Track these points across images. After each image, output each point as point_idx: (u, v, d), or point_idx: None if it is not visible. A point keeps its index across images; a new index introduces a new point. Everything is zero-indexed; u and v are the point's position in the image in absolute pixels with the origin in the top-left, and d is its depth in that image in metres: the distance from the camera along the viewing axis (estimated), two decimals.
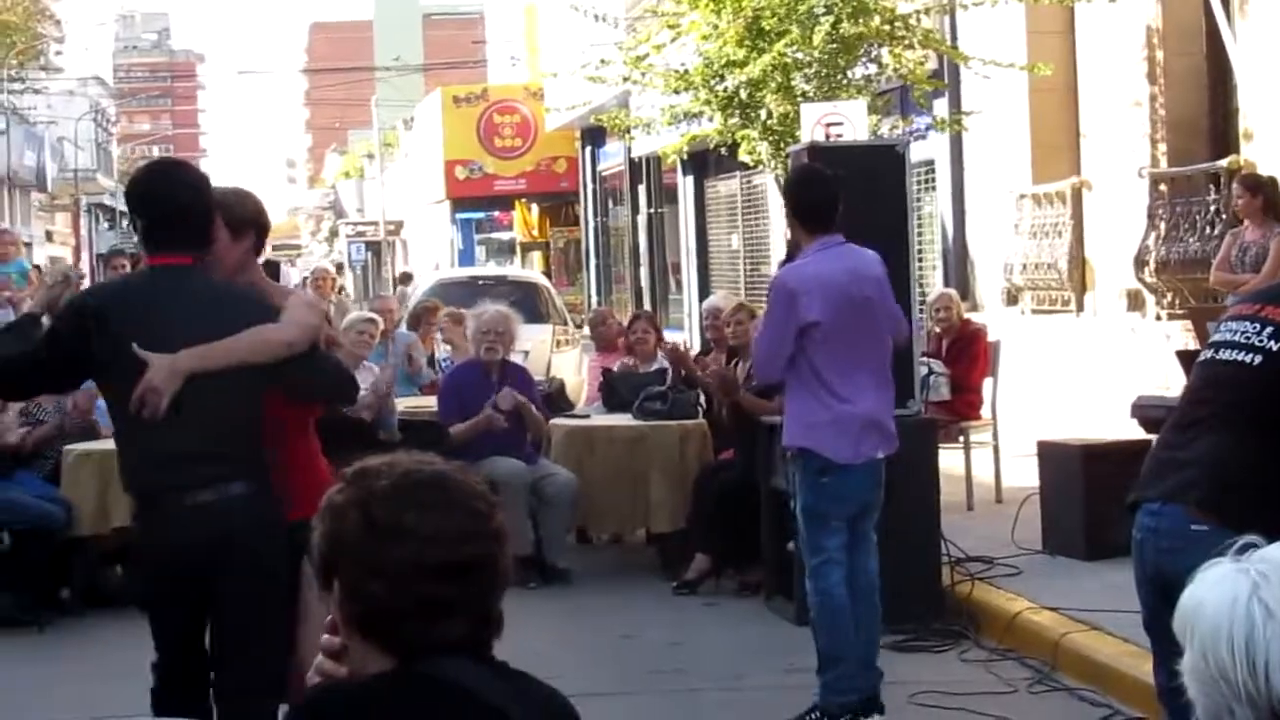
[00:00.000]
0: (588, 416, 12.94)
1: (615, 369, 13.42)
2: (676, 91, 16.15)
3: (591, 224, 40.18)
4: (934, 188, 20.13)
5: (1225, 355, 5.53)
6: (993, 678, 8.93)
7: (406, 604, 2.70)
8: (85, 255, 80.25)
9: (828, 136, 13.90)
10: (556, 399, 13.35)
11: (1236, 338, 5.52)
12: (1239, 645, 2.53)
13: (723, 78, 15.63)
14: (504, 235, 56.81)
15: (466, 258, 61.94)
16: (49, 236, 74.32)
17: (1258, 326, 5.47)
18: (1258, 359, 5.42)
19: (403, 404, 12.97)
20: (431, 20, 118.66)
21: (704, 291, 28.51)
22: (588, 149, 39.32)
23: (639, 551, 12.72)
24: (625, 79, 16.53)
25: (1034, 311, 17.70)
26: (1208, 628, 2.57)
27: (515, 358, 19.97)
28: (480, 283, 23.04)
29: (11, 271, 15.86)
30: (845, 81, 15.62)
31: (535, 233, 47.46)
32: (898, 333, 8.51)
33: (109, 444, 11.31)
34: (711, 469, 11.69)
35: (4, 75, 55.19)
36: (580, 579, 11.80)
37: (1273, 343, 5.41)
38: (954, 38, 17.86)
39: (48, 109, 75.47)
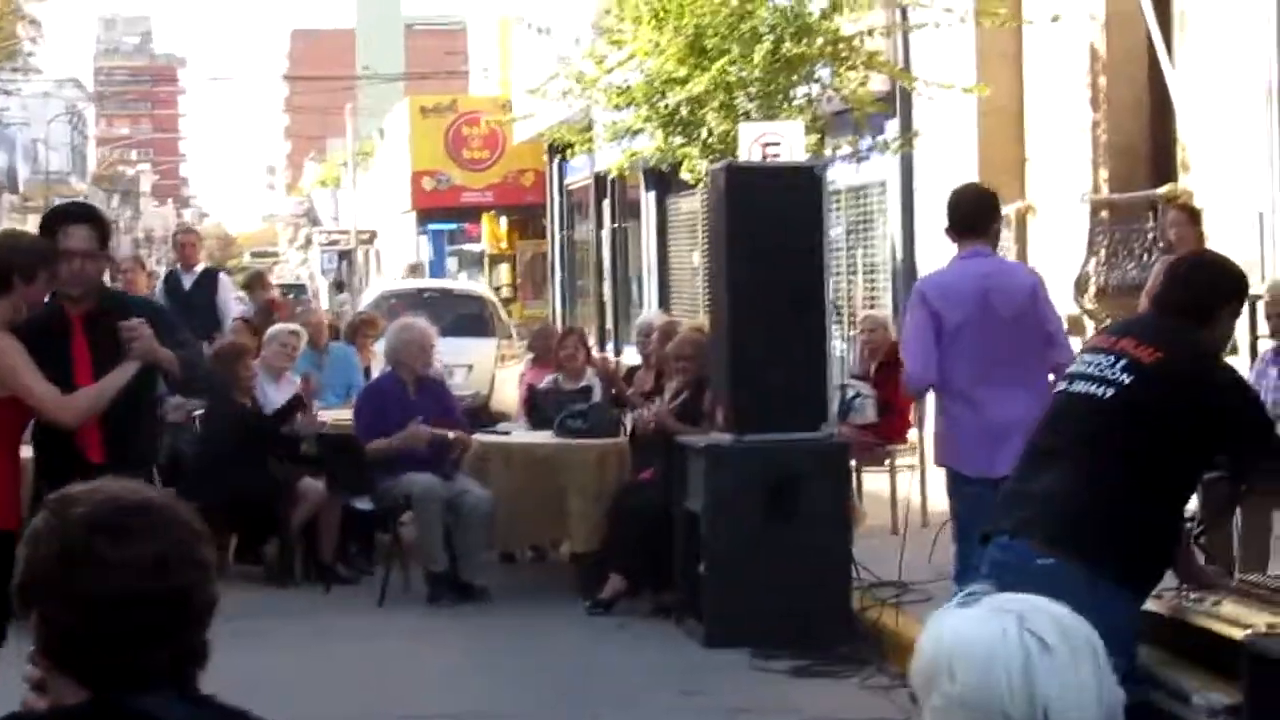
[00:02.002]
0: (508, 433, 12.86)
1: (541, 385, 13.35)
2: (619, 108, 16.12)
3: (558, 237, 40.09)
4: (885, 209, 20.09)
5: (1078, 387, 5.50)
6: (889, 704, 8.86)
7: (98, 634, 2.62)
8: None
9: (764, 156, 13.86)
10: (480, 413, 13.28)
11: (1090, 370, 5.48)
12: (1015, 678, 2.50)
13: (664, 95, 15.58)
14: (475, 247, 56.79)
15: (438, 269, 61.91)
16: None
17: (1111, 359, 5.43)
18: (1109, 392, 5.39)
19: (335, 415, 12.93)
20: (413, 30, 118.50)
21: (666, 308, 28.45)
22: (555, 163, 39.23)
23: (560, 570, 12.64)
24: (564, 93, 16.50)
25: None
26: (979, 662, 2.53)
27: (459, 373, 20.11)
28: (424, 295, 22.98)
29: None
30: (787, 101, 15.57)
31: (504, 245, 47.39)
32: (1053, 348, 8.29)
33: None
34: (629, 488, 11.62)
35: None
36: (496, 597, 11.71)
37: (1125, 376, 5.37)
38: (906, 60, 17.80)
39: (22, 110, 75.32)
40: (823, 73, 15.84)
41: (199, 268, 16.39)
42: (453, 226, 56.12)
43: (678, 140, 15.78)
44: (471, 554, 11.70)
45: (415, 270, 62.12)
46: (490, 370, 20.39)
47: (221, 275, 16.55)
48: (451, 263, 65.25)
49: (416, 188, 44.81)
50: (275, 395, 12.52)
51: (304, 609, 11.54)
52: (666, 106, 15.61)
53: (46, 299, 7.13)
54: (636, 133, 16.18)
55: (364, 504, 11.93)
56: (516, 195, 43.10)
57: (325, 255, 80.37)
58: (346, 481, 11.92)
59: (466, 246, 59.13)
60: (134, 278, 16.94)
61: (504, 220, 46.44)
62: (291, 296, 28.51)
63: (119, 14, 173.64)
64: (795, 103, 15.68)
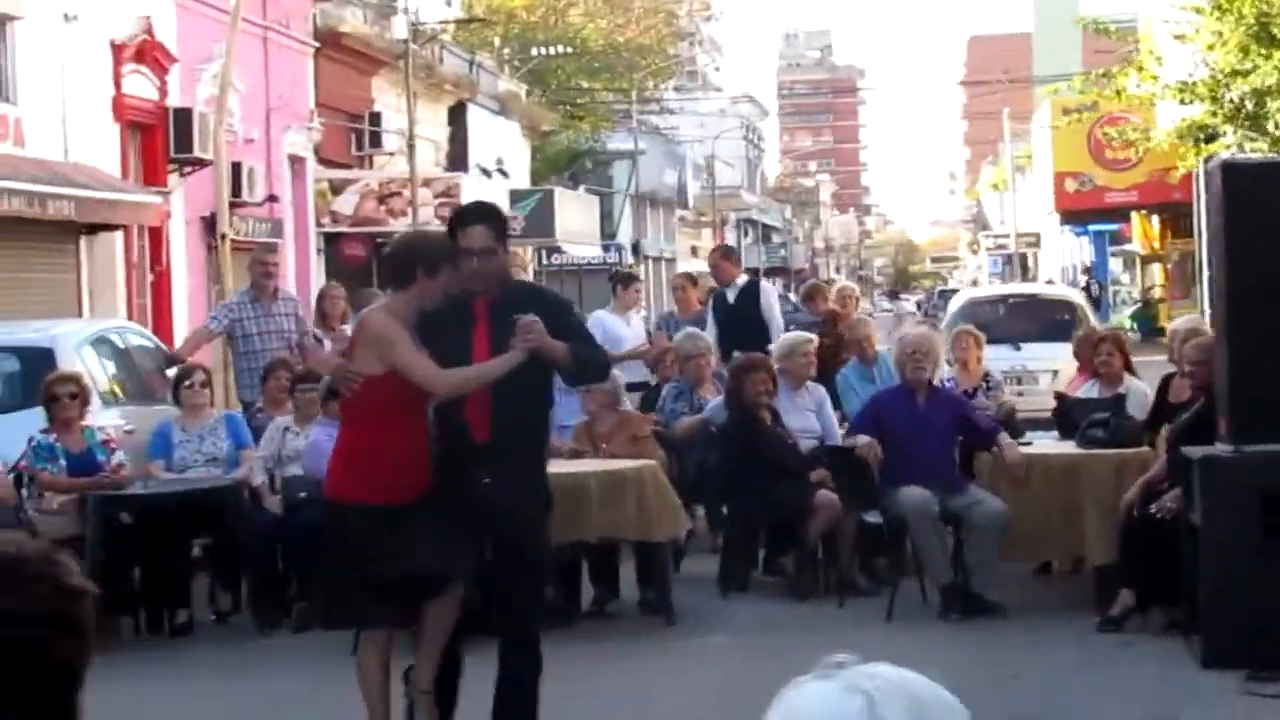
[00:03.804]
0: (1029, 443, 12.47)
1: (1078, 393, 12.91)
2: (1184, 103, 15.48)
3: (1204, 236, 38.83)
4: None
5: None
6: None
7: None
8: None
9: None
10: (1009, 423, 12.91)
11: None
12: None
13: (1228, 88, 14.88)
14: (1135, 248, 55.63)
15: (1101, 270, 60.94)
16: (693, 251, 76.55)
17: None
18: None
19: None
20: (1091, 30, 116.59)
21: None
22: (1202, 159, 37.99)
23: (1086, 583, 12.16)
24: (1119, 92, 15.95)
25: None
26: None
27: (1044, 378, 19.69)
28: (1010, 300, 22.56)
29: None
30: None
31: (1156, 245, 46.26)
32: None
33: None
34: (1146, 500, 11.08)
35: (634, 97, 57.18)
36: (1012, 611, 11.36)
37: None
38: None
39: (700, 128, 77.94)
40: None
41: (740, 280, 16.47)
42: (1113, 227, 55.13)
43: (1244, 134, 15.02)
44: (983, 566, 11.39)
45: (1089, 272, 61.40)
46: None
47: (764, 284, 16.57)
48: (1115, 264, 64.17)
49: (1059, 189, 44.19)
50: (791, 405, 12.54)
51: (817, 623, 11.45)
52: (1231, 101, 14.89)
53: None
54: (1203, 128, 15.50)
55: (874, 517, 11.77)
56: (1163, 193, 41.94)
57: (992, 259, 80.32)
58: (853, 494, 11.80)
59: (1129, 247, 58.02)
60: (685, 295, 17.13)
61: (1155, 220, 45.33)
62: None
63: (800, 29, 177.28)
64: None
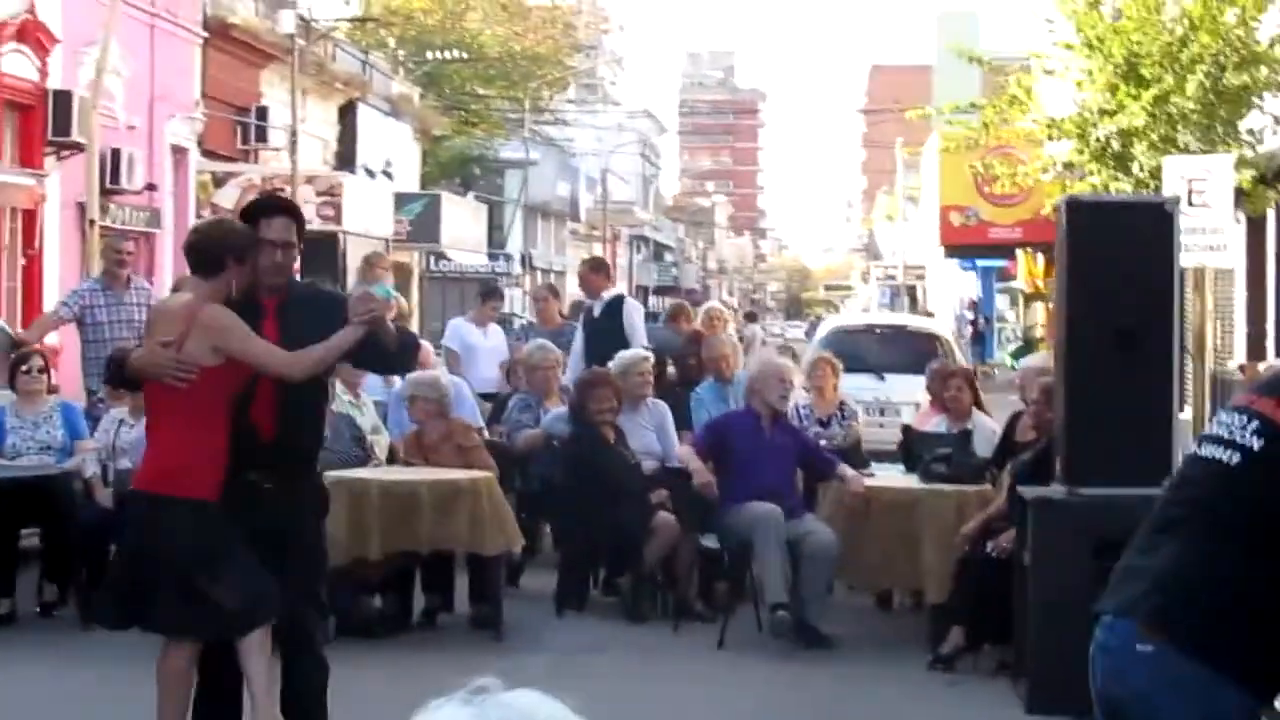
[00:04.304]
0: (873, 474, 12.38)
1: (925, 427, 12.84)
2: (1051, 138, 15.50)
3: None
4: None
5: (1206, 451, 4.82)
6: None
7: None
8: (625, 285, 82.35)
9: (1190, 193, 13.04)
10: (850, 454, 12.81)
11: (1220, 431, 4.81)
12: None
13: (1095, 125, 14.89)
14: (1018, 285, 55.92)
15: (987, 306, 61.23)
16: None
17: (1244, 419, 4.74)
18: (1236, 457, 4.71)
19: None
20: (991, 66, 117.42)
21: None
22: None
23: (921, 619, 12.09)
24: (984, 125, 15.94)
25: None
26: None
27: (906, 410, 19.64)
28: (877, 331, 22.56)
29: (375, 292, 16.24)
30: (1230, 136, 14.67)
31: (1040, 283, 46.45)
32: None
33: (360, 472, 11.50)
34: (980, 537, 11.02)
35: (528, 106, 56.94)
36: (845, 644, 11.27)
37: (1256, 440, 4.69)
38: None
39: (597, 142, 77.79)
40: (1273, 104, 14.87)
41: (607, 294, 16.34)
42: (1001, 263, 55.40)
43: (1108, 174, 15.03)
44: (816, 597, 11.29)
45: (975, 307, 61.74)
46: None
47: (628, 300, 16.47)
48: (1002, 300, 64.53)
49: (945, 222, 44.32)
50: (631, 424, 12.41)
51: (647, 646, 11.31)
52: (1098, 140, 14.90)
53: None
54: (1070, 166, 15.52)
55: (710, 541, 11.63)
56: (1047, 232, 42.05)
57: (882, 289, 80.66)
58: (690, 516, 11.67)
59: (1014, 284, 58.38)
60: (546, 306, 17.04)
61: (1040, 257, 45.50)
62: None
63: (704, 49, 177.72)
64: (1240, 137, 14.76)
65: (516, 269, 59.04)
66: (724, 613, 11.48)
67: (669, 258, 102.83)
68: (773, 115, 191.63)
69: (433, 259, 50.84)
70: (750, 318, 42.06)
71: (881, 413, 19.55)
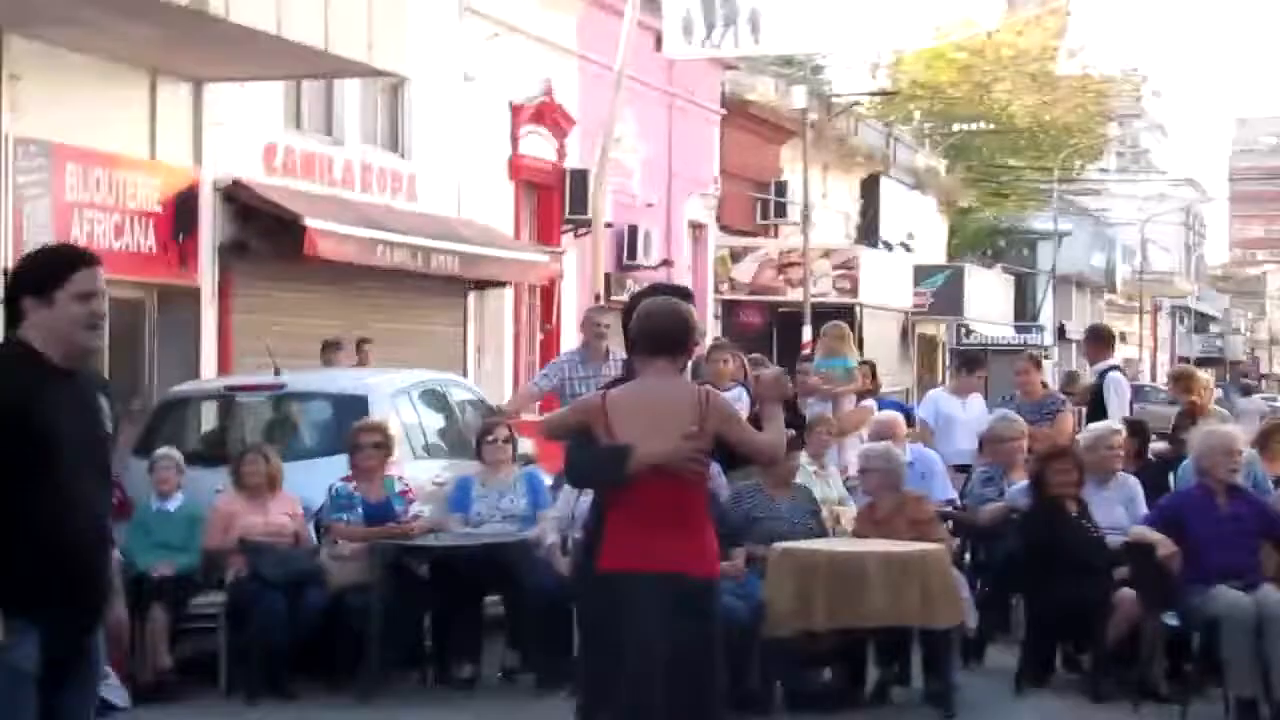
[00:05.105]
0: None
1: None
2: None
3: None
4: None
5: None
6: None
7: None
8: (1166, 356, 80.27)
9: None
10: None
11: None
12: None
13: None
14: None
15: None
16: (1122, 337, 74.81)
17: None
18: None
19: None
20: None
21: None
22: None
23: None
24: None
25: None
26: None
27: None
28: None
29: (836, 366, 16.09)
30: None
31: None
32: None
33: (812, 543, 11.35)
34: None
35: (1057, 176, 56.07)
36: None
37: None
38: None
39: (1137, 210, 76.13)
40: None
41: (1101, 365, 16.09)
42: None
43: None
44: None
45: None
46: None
47: (1112, 374, 15.87)
48: None
49: None
50: (1098, 497, 11.95)
51: None
52: None
53: None
54: None
55: (1170, 619, 11.08)
56: None
57: None
58: (1153, 594, 11.13)
59: None
60: (1028, 378, 16.29)
61: None
62: None
63: (1255, 114, 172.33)
64: None
65: (1048, 340, 58.12)
66: (1189, 695, 10.91)
67: (1214, 328, 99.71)
68: None
69: (962, 330, 50.51)
70: (1246, 391, 39.96)
71: None
